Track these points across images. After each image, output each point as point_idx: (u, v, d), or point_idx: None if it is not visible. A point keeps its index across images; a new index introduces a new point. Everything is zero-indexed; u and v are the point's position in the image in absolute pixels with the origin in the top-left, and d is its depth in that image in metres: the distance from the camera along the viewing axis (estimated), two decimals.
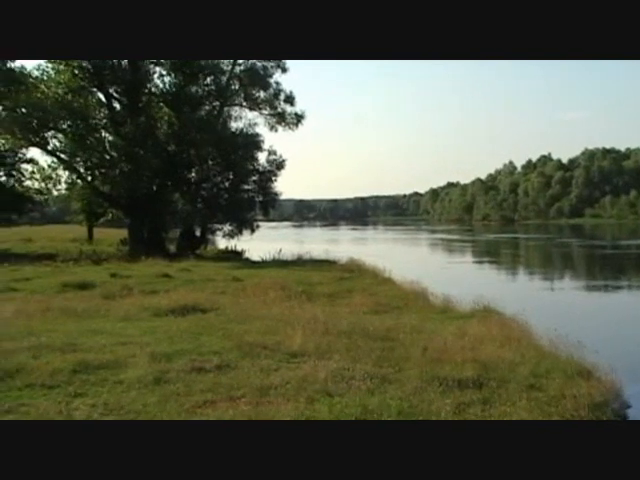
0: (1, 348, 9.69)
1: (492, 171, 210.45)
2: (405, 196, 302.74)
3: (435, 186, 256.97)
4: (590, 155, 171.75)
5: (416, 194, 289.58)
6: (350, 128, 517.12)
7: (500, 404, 7.20)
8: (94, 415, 6.87)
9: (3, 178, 41.86)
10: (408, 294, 19.36)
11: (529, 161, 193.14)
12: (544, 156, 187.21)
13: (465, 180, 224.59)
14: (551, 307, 21.12)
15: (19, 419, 6.70)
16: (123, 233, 45.95)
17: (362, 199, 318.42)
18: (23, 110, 36.05)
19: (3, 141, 39.66)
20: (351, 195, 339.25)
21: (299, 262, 33.10)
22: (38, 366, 8.67)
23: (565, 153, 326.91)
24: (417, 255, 54.08)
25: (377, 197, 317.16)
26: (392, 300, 17.77)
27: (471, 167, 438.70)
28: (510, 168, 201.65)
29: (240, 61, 39.69)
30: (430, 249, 64.72)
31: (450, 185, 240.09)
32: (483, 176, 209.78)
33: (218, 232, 42.64)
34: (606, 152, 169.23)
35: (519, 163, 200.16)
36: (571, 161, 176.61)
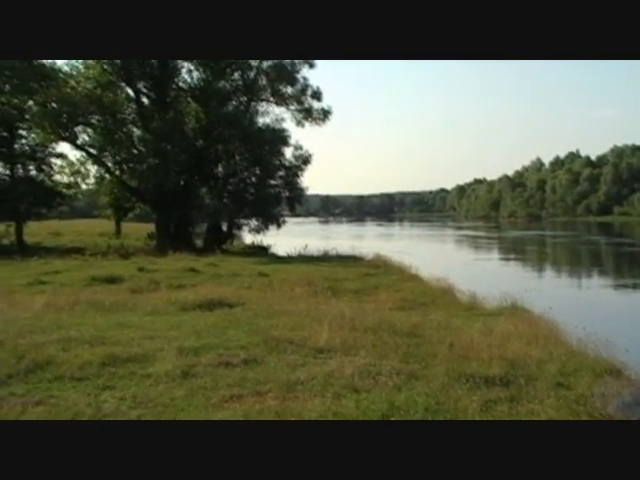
0: (32, 340, 9.79)
1: (519, 168, 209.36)
2: (431, 192, 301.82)
3: (462, 182, 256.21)
4: (619, 152, 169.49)
5: (442, 190, 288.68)
6: (377, 124, 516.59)
7: (527, 402, 7.15)
8: (122, 408, 6.92)
9: (33, 172, 42.28)
10: (434, 291, 19.33)
11: (557, 158, 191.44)
12: (572, 153, 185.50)
13: (492, 177, 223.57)
14: (579, 305, 20.95)
15: (49, 411, 6.77)
16: (150, 227, 46.32)
17: (388, 195, 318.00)
18: (53, 105, 36.50)
19: (34, 135, 40.08)
20: (377, 191, 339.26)
21: (325, 258, 33.19)
22: (67, 359, 8.75)
23: (593, 150, 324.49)
24: (443, 251, 53.89)
25: (403, 193, 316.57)
26: (418, 296, 17.73)
27: (498, 164, 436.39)
28: (537, 165, 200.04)
29: None
30: (456, 245, 64.42)
31: (477, 181, 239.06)
32: (510, 173, 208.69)
33: (244, 227, 42.82)
34: (635, 149, 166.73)
35: (547, 160, 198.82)
36: (599, 158, 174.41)
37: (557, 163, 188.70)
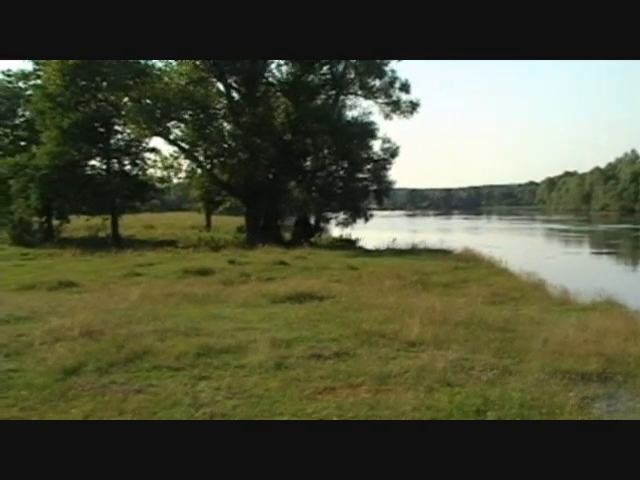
0: (129, 330, 10.09)
1: (612, 160, 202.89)
2: (520, 185, 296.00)
3: (552, 175, 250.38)
4: None
5: (532, 183, 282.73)
6: (465, 116, 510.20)
7: (627, 400, 6.98)
8: (218, 398, 7.05)
9: (128, 167, 43.46)
10: (525, 285, 19.02)
11: None
12: None
13: (583, 169, 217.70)
14: None
15: (149, 399, 6.96)
16: (239, 221, 46.94)
17: (476, 188, 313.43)
18: (148, 101, 37.37)
19: (129, 131, 41.18)
20: (465, 184, 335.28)
21: (413, 251, 33.02)
22: (164, 349, 8.97)
23: None
24: (530, 245, 52.90)
25: (491, 186, 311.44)
26: (509, 291, 17.46)
27: (590, 156, 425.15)
28: (632, 157, 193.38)
29: None
30: (544, 239, 63.17)
31: (567, 174, 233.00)
32: (602, 165, 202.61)
33: (332, 220, 42.97)
34: None
35: None
36: None
37: None
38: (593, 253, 44.85)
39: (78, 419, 6.37)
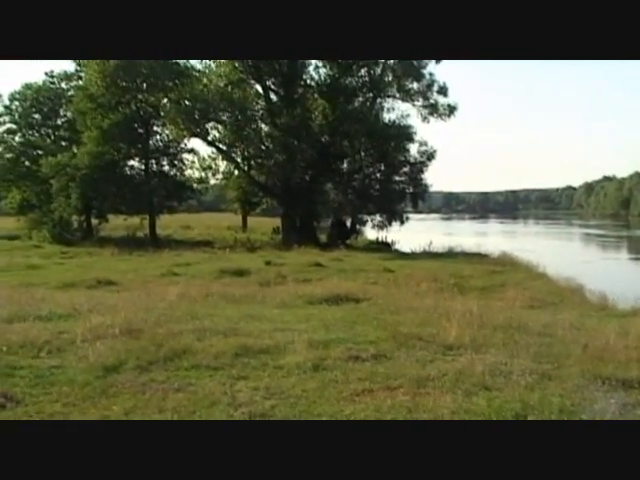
0: (168, 329, 10.16)
1: None
2: (558, 190, 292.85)
3: (590, 180, 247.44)
4: None
5: (569, 188, 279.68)
6: (502, 119, 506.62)
7: None
8: (256, 398, 7.06)
9: (166, 167, 43.90)
10: (563, 290, 18.88)
11: None
12: None
13: (622, 174, 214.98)
14: None
15: (188, 398, 7.02)
16: (275, 222, 47.09)
17: (513, 192, 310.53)
18: (187, 102, 37.68)
19: (167, 132, 41.59)
20: (502, 188, 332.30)
21: (450, 254, 32.89)
22: (203, 348, 9.00)
23: None
24: (567, 250, 52.29)
25: (528, 190, 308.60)
26: (547, 295, 17.35)
27: (629, 160, 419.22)
28: None
29: None
30: (581, 244, 62.46)
31: (606, 179, 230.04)
32: None
33: (368, 223, 42.91)
34: None
35: None
36: None
37: None
38: (632, 258, 44.24)
39: (119, 415, 6.45)
